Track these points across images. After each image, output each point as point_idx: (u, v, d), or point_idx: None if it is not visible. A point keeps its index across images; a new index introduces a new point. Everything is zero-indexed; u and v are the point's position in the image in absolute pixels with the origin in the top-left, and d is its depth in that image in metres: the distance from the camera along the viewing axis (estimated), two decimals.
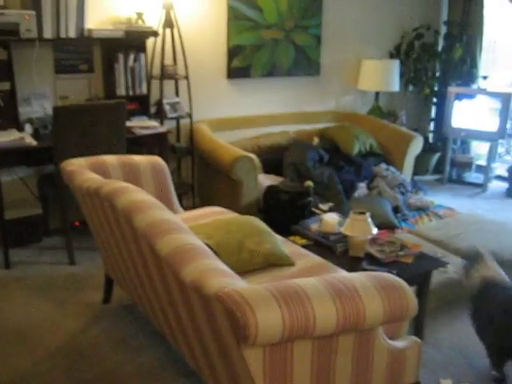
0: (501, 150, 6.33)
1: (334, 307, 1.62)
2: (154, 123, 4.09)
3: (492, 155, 5.79)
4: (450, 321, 3.15)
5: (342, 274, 1.90)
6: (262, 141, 4.72)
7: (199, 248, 1.91)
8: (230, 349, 1.73)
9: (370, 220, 2.76)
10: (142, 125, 4.01)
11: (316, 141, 4.87)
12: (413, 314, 1.89)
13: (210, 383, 2.16)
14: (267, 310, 1.51)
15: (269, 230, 2.65)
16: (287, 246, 2.68)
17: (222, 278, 1.71)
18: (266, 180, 4.19)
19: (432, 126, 6.30)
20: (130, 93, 4.15)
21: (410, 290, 1.87)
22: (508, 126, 5.76)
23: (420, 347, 2.17)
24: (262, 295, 1.56)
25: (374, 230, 2.77)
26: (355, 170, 4.60)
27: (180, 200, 3.95)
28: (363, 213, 2.74)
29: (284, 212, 3.73)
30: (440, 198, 5.20)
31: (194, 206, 4.43)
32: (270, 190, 4.01)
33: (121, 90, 4.10)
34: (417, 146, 4.91)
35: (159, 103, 4.28)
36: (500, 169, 6.08)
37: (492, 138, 5.63)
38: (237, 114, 4.91)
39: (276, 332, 1.53)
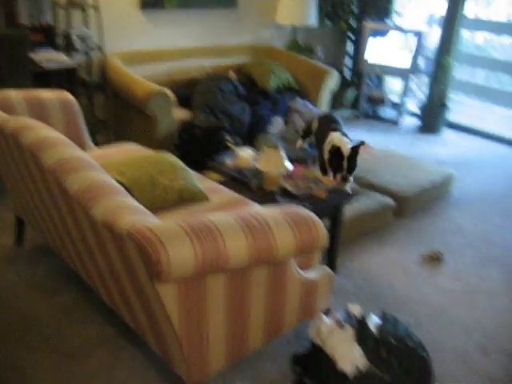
0: (414, 86, 6.51)
1: (246, 241, 1.65)
2: (61, 56, 3.87)
3: (405, 91, 5.96)
4: (361, 252, 3.31)
5: (256, 208, 1.93)
6: (177, 75, 4.60)
7: (110, 185, 1.87)
8: (144, 286, 1.73)
9: (283, 155, 2.79)
10: (49, 57, 3.78)
11: (232, 75, 4.80)
12: (323, 245, 1.96)
13: (127, 320, 2.17)
14: (179, 245, 1.52)
15: (183, 165, 2.62)
16: (202, 182, 2.68)
17: (133, 215, 1.69)
18: (181, 115, 4.11)
19: (348, 61, 6.36)
20: (34, 23, 3.87)
21: (320, 222, 1.93)
22: (420, 62, 5.92)
23: (331, 277, 2.27)
24: (173, 231, 1.56)
25: (289, 165, 2.81)
26: (271, 104, 4.60)
27: (93, 137, 3.82)
28: (277, 147, 2.76)
29: (199, 148, 3.69)
30: (355, 134, 5.32)
31: (108, 143, 4.30)
32: (185, 125, 3.95)
33: (23, 19, 3.81)
34: (332, 82, 4.96)
35: (66, 35, 4.04)
36: (412, 105, 6.29)
37: (405, 74, 5.79)
38: (151, 48, 4.73)
39: (188, 267, 1.54)
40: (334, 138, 3.11)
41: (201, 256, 1.55)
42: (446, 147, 5.49)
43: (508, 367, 2.43)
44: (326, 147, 3.12)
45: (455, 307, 2.84)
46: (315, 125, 3.53)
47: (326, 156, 3.09)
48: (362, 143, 3.00)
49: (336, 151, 2.98)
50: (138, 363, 2.30)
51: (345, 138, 3.11)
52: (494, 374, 2.38)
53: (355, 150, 2.98)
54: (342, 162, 2.95)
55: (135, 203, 1.80)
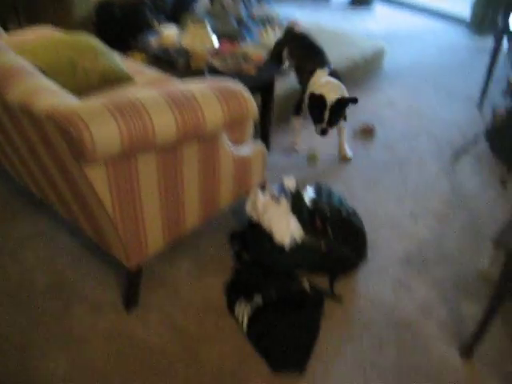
0: None
1: (173, 115, 1.58)
2: None
3: None
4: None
5: (183, 84, 1.85)
6: None
7: (26, 68, 1.73)
8: (71, 171, 1.66)
9: (210, 31, 2.66)
10: None
11: None
12: (253, 118, 1.92)
13: (61, 211, 2.11)
14: (102, 122, 1.44)
15: (104, 47, 2.45)
16: (126, 63, 2.53)
17: (53, 97, 1.57)
18: None
19: None
20: None
21: (248, 94, 1.88)
22: None
23: (264, 153, 2.25)
24: (95, 109, 1.47)
25: (215, 42, 2.68)
26: None
27: (4, 24, 3.52)
28: (203, 23, 2.62)
29: (119, 27, 3.46)
30: (285, 10, 5.14)
31: (20, 27, 3.98)
32: (102, 3, 3.66)
33: None
34: None
35: None
36: None
37: None
38: None
39: (114, 144, 1.47)
40: (318, 82, 2.64)
41: (126, 133, 1.47)
42: (378, 22, 5.42)
43: (435, 230, 2.56)
44: (309, 89, 2.70)
45: (387, 177, 2.92)
46: (285, 48, 3.08)
47: (306, 101, 2.69)
48: (355, 100, 2.58)
49: (318, 99, 2.56)
50: (76, 252, 2.28)
51: (332, 80, 2.67)
52: (423, 237, 2.51)
53: (342, 102, 2.57)
54: (324, 112, 2.56)
55: (54, 86, 1.67)
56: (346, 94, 2.63)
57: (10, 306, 2.02)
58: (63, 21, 3.58)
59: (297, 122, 2.95)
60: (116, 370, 1.82)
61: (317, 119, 2.61)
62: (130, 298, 2.03)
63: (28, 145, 1.81)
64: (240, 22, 4.04)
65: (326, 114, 2.56)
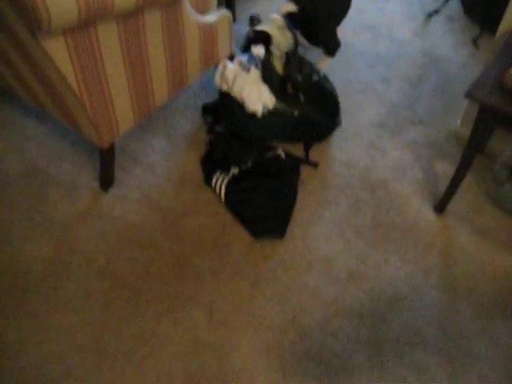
0: None
1: None
2: None
3: None
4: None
5: None
6: None
7: None
8: (31, 50, 1.56)
9: None
10: None
11: None
12: None
13: (25, 97, 2.02)
14: None
15: None
16: None
17: None
18: None
19: None
20: None
21: None
22: None
23: (230, 21, 2.15)
24: None
25: None
26: None
27: None
28: None
29: None
30: None
31: None
32: None
33: None
34: None
35: None
36: None
37: None
38: None
39: (70, 11, 1.37)
40: None
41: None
42: None
43: (406, 92, 2.54)
44: None
45: (357, 42, 2.84)
46: None
47: None
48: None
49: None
50: (45, 138, 2.22)
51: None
52: (396, 101, 2.49)
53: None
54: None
55: None
56: None
57: None
58: None
59: None
60: (99, 249, 1.84)
61: None
62: (106, 178, 2.02)
63: None
64: None
65: None
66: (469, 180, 2.12)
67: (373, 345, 1.64)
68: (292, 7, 2.36)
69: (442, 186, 2.08)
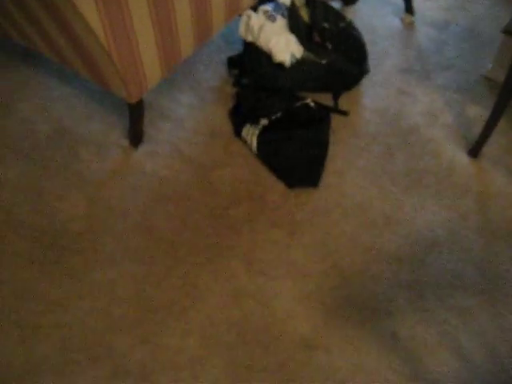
0: None
1: None
2: None
3: None
4: None
5: None
6: None
7: None
8: (56, 1, 1.54)
9: None
10: None
11: None
12: None
13: (50, 55, 1.99)
14: None
15: None
16: None
17: None
18: None
19: None
20: None
21: None
22: None
23: None
24: None
25: None
26: None
27: None
28: None
29: None
30: None
31: None
32: None
33: None
34: None
35: None
36: None
37: None
38: None
39: None
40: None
41: None
42: None
43: (433, 37, 2.48)
44: None
45: None
46: None
47: None
48: None
49: None
50: (72, 98, 2.21)
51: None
52: (424, 46, 2.43)
53: None
54: None
55: None
56: None
57: (15, 158, 1.99)
58: None
59: None
60: (134, 205, 1.84)
61: None
62: (135, 135, 2.01)
63: None
64: None
65: None
66: (502, 123, 2.08)
67: (413, 288, 1.64)
68: None
69: (475, 131, 2.04)
